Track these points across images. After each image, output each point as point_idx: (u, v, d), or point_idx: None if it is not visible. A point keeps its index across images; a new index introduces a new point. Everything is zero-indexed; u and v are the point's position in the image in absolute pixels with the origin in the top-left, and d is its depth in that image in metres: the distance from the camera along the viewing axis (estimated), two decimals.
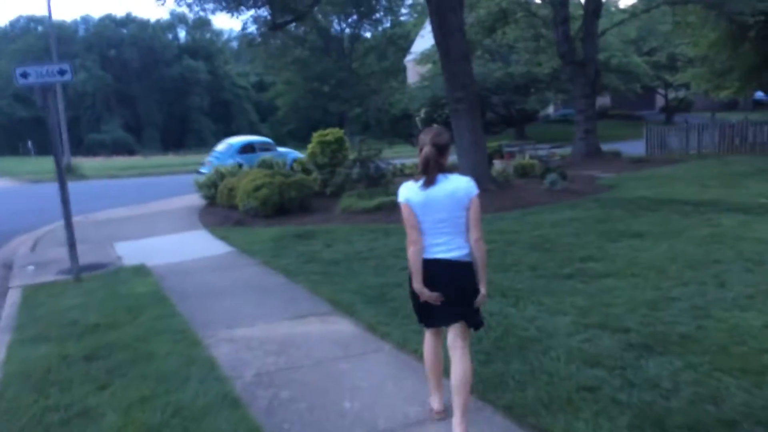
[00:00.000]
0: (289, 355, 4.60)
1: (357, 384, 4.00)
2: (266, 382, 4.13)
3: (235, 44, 70.62)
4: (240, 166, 16.62)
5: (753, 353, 3.82)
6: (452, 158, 17.35)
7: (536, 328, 4.58)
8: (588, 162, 17.59)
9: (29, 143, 42.76)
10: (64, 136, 26.66)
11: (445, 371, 3.41)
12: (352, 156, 13.52)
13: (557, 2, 19.12)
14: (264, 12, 12.76)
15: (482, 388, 3.65)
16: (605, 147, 19.90)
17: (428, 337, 3.44)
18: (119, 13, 63.97)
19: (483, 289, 3.22)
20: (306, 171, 13.89)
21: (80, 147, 51.77)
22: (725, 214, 8.22)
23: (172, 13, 67.77)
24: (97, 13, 63.19)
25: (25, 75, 7.19)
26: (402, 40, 53.21)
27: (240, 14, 13.27)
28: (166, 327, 5.28)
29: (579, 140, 19.56)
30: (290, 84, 55.54)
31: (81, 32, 65.18)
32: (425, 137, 3.18)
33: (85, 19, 66.06)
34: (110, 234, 10.96)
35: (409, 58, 46.75)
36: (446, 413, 3.37)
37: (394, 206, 11.66)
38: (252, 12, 13.38)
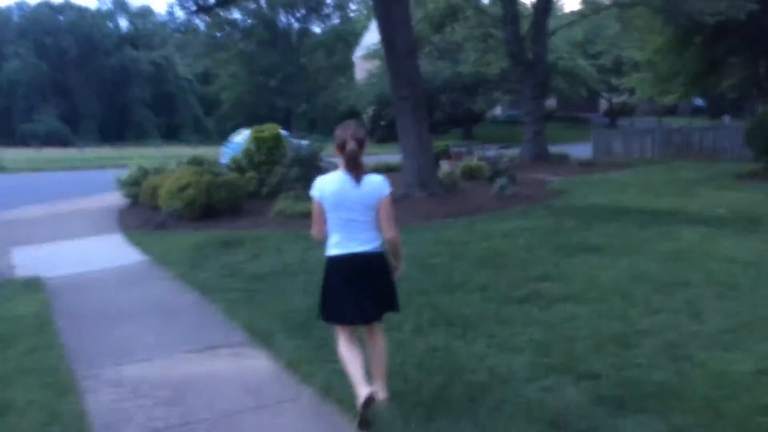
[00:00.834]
0: (185, 406, 3.69)
1: None
2: None
3: (179, 35, 68.21)
4: None
5: (748, 411, 3.14)
6: (395, 158, 16.70)
7: (488, 370, 3.80)
8: (536, 165, 17.12)
9: None
10: None
11: None
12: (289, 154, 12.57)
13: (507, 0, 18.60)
14: None
15: None
16: (552, 149, 19.49)
17: (343, 337, 3.34)
18: None
19: (401, 268, 3.41)
20: (240, 170, 12.80)
21: (12, 137, 49.48)
22: (684, 226, 7.68)
23: (114, 1, 64.97)
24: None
25: None
26: (351, 37, 52.36)
27: None
28: (37, 364, 4.29)
29: (527, 142, 19.09)
30: (235, 78, 53.86)
31: (15, 18, 61.62)
32: (344, 133, 3.18)
33: (20, 5, 62.48)
34: (11, 237, 9.73)
35: (357, 54, 45.96)
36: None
37: None
38: None
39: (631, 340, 4.13)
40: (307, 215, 10.04)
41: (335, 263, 3.27)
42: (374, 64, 36.68)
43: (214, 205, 10.54)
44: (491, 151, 18.95)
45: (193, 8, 11.72)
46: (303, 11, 52.73)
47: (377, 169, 16.89)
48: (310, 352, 4.29)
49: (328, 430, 3.37)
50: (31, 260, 8.03)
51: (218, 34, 49.69)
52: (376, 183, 3.23)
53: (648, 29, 22.00)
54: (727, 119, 24.99)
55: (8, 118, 54.72)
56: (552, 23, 21.43)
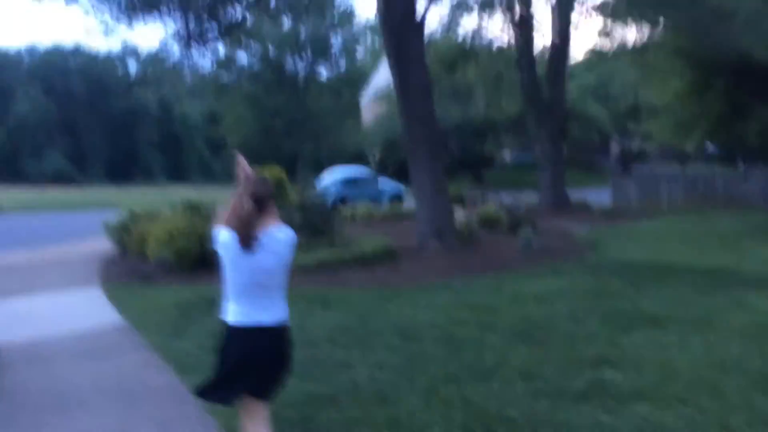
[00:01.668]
0: None
1: None
2: None
3: (187, 78, 68.43)
4: (343, 200, 17.26)
5: None
6: (409, 205, 15.65)
7: None
8: (557, 213, 16.06)
9: None
10: None
11: None
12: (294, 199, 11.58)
13: (523, 43, 17.88)
14: (179, 24, 10.87)
15: None
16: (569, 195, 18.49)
17: (247, 416, 2.90)
18: (67, 42, 60.72)
19: None
20: None
21: (19, 177, 49.37)
22: (752, 291, 6.55)
23: (123, 45, 65.43)
24: (45, 42, 59.86)
25: None
26: (359, 78, 52.18)
27: (148, 22, 11.38)
28: None
29: (546, 188, 18.08)
30: (241, 120, 53.57)
31: (26, 61, 62.02)
32: (245, 188, 2.72)
33: (31, 50, 62.85)
34: None
35: (365, 97, 45.58)
36: None
37: (339, 264, 9.68)
38: (171, 25, 11.44)
39: None
40: (308, 270, 9.01)
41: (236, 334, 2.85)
42: (383, 107, 36.19)
43: (209, 256, 9.44)
44: (507, 198, 17.93)
45: (185, 41, 10.90)
46: (310, 55, 52.71)
47: (386, 217, 15.82)
48: None
49: None
50: None
51: (225, 76, 49.67)
52: (281, 243, 2.77)
53: (667, 72, 21.25)
54: (741, 165, 24.10)
55: (16, 157, 54.62)
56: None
